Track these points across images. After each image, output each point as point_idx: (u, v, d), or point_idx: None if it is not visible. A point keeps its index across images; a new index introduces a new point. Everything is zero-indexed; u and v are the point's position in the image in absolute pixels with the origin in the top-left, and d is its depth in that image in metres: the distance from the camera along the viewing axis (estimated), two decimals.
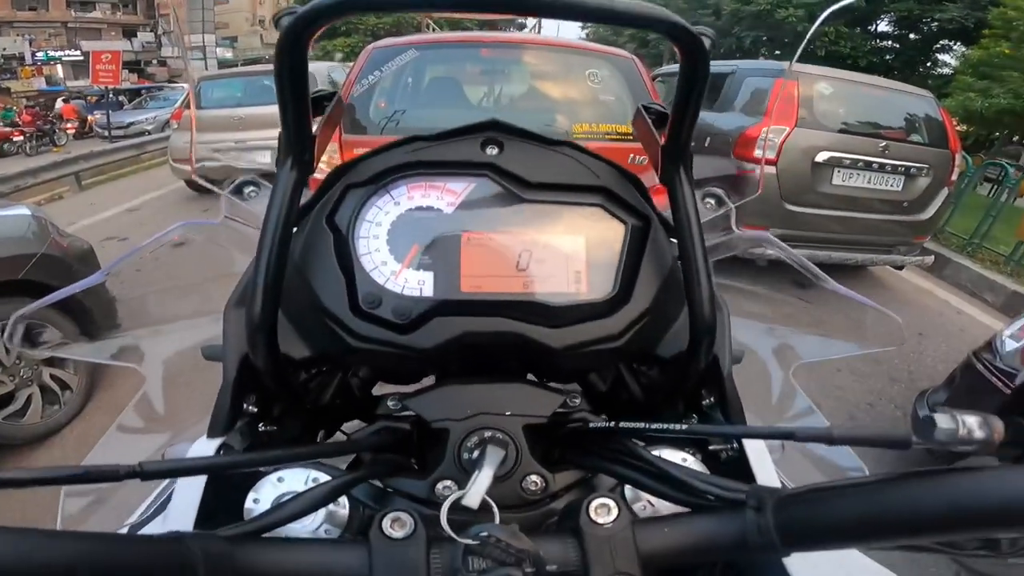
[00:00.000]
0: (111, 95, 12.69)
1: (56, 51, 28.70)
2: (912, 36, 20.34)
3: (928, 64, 19.48)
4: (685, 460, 0.34)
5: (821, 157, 3.27)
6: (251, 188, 0.52)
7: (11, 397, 1.86)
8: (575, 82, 2.29)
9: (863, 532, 0.23)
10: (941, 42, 19.35)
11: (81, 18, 30.83)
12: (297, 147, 0.34)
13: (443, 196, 0.39)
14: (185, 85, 17.48)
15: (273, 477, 0.31)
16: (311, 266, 0.37)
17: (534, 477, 0.32)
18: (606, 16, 0.30)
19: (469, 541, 0.25)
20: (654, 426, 0.31)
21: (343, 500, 0.30)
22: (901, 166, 3.42)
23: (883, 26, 21.06)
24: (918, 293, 3.90)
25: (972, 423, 0.23)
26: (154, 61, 33.47)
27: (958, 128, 13.98)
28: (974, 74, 11.95)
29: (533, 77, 2.44)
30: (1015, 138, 12.76)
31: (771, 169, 3.27)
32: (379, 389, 0.42)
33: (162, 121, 11.80)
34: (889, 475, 0.23)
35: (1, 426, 1.82)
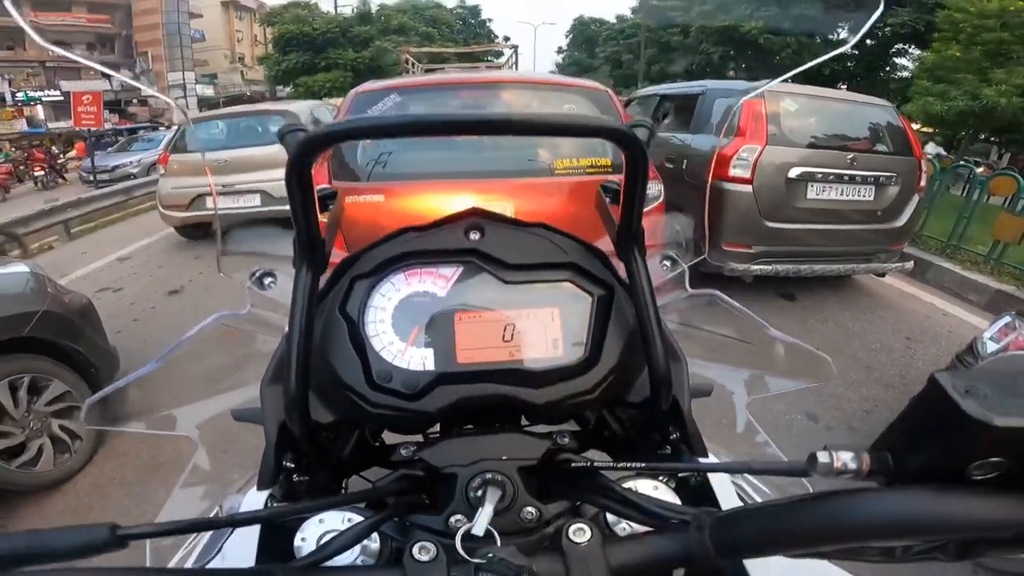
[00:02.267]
0: (92, 137, 12.75)
1: (35, 91, 28.43)
2: (869, 42, 20.89)
3: (888, 68, 20.10)
4: (657, 488, 0.40)
5: (794, 173, 3.33)
6: (270, 279, 0.58)
7: (23, 447, 1.96)
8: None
9: (776, 545, 0.29)
10: (897, 46, 19.95)
11: (59, 57, 30.73)
12: (309, 253, 0.41)
13: (436, 281, 0.46)
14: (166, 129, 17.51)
15: (315, 519, 0.37)
16: (331, 349, 0.44)
17: (529, 508, 0.39)
18: (558, 131, 0.38)
19: (479, 561, 0.32)
20: (620, 464, 0.39)
21: (374, 535, 0.37)
22: (870, 176, 3.49)
23: (842, 33, 21.53)
24: (903, 298, 3.94)
25: (845, 457, 0.28)
26: (135, 100, 33.32)
27: (924, 130, 14.19)
28: (930, 78, 12.08)
29: (515, 110, 2.47)
30: (983, 136, 13.01)
31: (747, 188, 3.31)
32: (390, 436, 0.50)
33: (147, 164, 11.66)
34: (796, 497, 0.29)
35: (16, 474, 1.90)
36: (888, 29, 18.75)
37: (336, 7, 25.97)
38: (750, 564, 0.37)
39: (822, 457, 0.28)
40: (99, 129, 11.42)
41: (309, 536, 0.36)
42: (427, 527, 0.39)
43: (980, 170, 12.13)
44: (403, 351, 0.43)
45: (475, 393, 0.42)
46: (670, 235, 0.62)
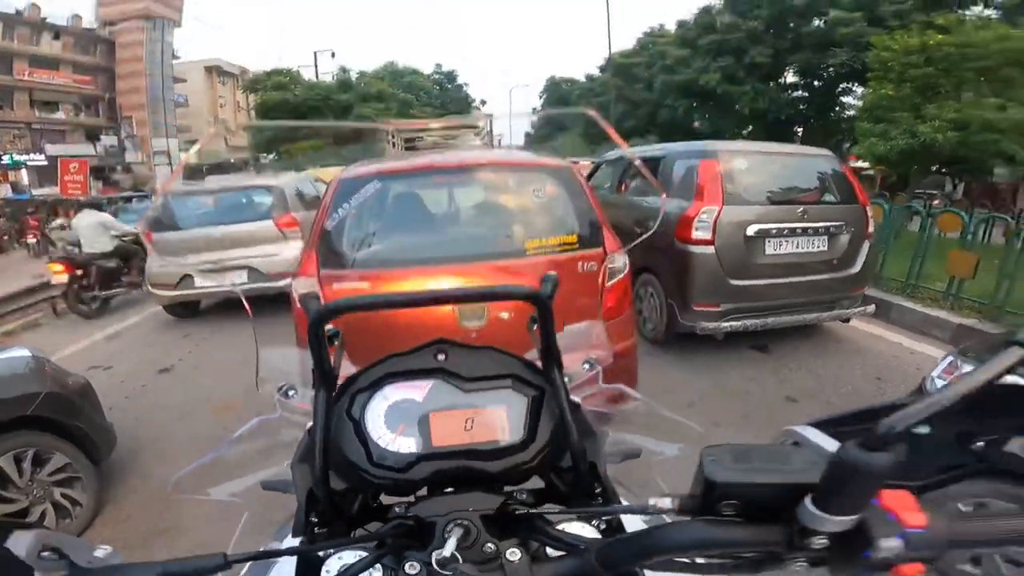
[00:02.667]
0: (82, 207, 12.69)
1: (21, 154, 28.05)
2: (816, 83, 21.86)
3: (838, 109, 20.81)
4: (583, 527, 0.55)
5: (751, 231, 3.49)
6: (292, 391, 0.73)
7: (27, 512, 2.11)
8: (522, 196, 2.48)
9: (636, 559, 0.42)
10: (842, 85, 20.77)
11: (45, 119, 30.43)
12: (324, 380, 0.58)
13: (414, 391, 0.61)
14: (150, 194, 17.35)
15: (336, 556, 0.53)
16: (342, 440, 0.59)
17: (488, 544, 0.51)
18: (482, 297, 0.60)
19: (448, 572, 0.46)
20: (555, 511, 0.56)
21: (379, 566, 0.51)
22: (821, 227, 3.66)
23: (791, 77, 22.76)
24: (871, 340, 4.07)
25: (666, 502, 0.42)
26: (118, 167, 32.74)
27: (875, 170, 14.40)
28: (870, 118, 12.27)
29: (486, 192, 2.64)
30: (935, 169, 13.20)
31: (710, 249, 3.46)
32: (387, 498, 0.65)
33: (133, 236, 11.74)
34: (648, 527, 0.43)
35: None
36: (831, 70, 19.65)
37: (317, 74, 26.29)
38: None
39: (654, 501, 0.43)
40: (93, 197, 11.34)
41: (332, 568, 0.52)
42: (416, 560, 0.52)
43: (936, 203, 12.36)
44: (393, 440, 0.58)
45: (445, 467, 0.57)
46: (587, 342, 0.75)
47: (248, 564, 0.65)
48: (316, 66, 27.03)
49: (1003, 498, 1.53)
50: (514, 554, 0.48)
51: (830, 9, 19.41)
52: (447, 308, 1.80)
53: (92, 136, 32.71)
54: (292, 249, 5.11)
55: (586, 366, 0.72)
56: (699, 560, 0.45)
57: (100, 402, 2.54)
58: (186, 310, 5.55)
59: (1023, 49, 10.13)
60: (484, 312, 1.71)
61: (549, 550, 0.53)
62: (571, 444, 0.59)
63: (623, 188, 5.01)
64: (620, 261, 2.35)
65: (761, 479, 0.37)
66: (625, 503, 0.61)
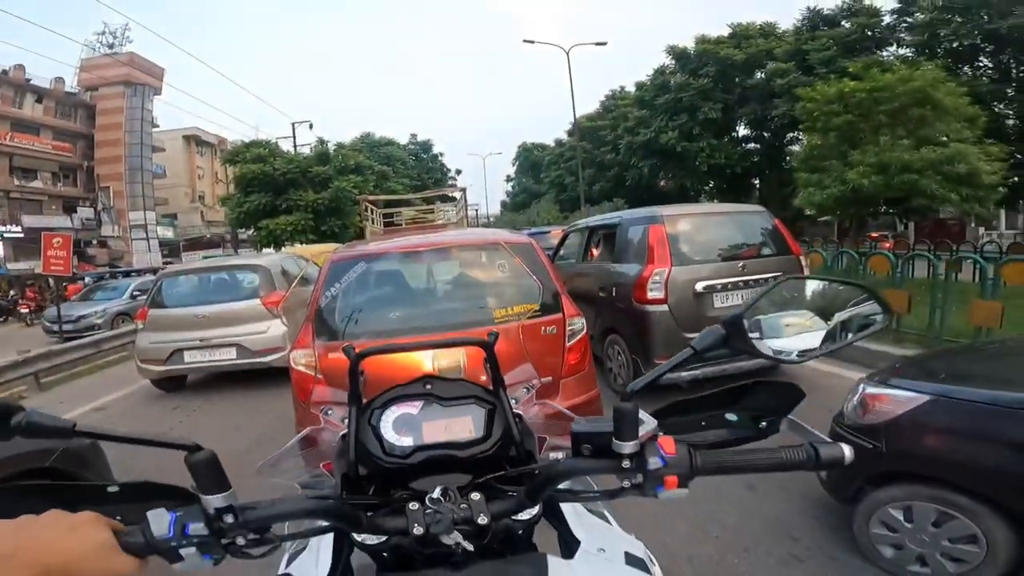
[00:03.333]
0: (62, 285, 12.16)
1: None
2: (766, 134, 22.83)
3: (788, 158, 21.33)
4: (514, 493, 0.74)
5: (699, 287, 3.80)
6: (330, 411, 1.00)
7: None
8: (490, 270, 2.85)
9: (545, 490, 0.69)
10: (788, 135, 21.61)
11: (23, 188, 29.03)
12: (356, 402, 0.87)
13: (411, 408, 0.86)
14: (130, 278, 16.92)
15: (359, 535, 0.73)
16: (366, 439, 0.84)
17: (463, 503, 0.71)
18: (451, 343, 1.03)
19: (436, 507, 0.67)
20: (499, 474, 0.78)
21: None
22: (760, 279, 3.92)
23: (742, 131, 23.76)
24: (826, 377, 4.34)
25: (558, 454, 0.75)
26: (94, 241, 31.70)
27: (832, 216, 14.73)
28: (806, 168, 12.94)
29: (459, 268, 3.01)
30: (883, 209, 13.58)
31: (664, 307, 3.76)
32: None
33: (111, 314, 11.42)
34: (549, 463, 0.71)
35: None
36: (775, 120, 20.53)
37: (295, 146, 26.33)
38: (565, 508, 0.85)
39: (553, 455, 0.75)
40: (87, 273, 10.95)
41: (361, 537, 0.72)
42: (416, 502, 0.72)
43: (887, 244, 12.55)
44: (398, 439, 0.83)
45: (433, 454, 0.82)
46: (525, 375, 1.05)
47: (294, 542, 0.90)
48: (295, 137, 26.91)
49: (920, 499, 1.84)
50: (476, 496, 0.71)
51: (767, 62, 20.60)
52: (429, 362, 2.10)
53: (69, 207, 31.53)
54: (279, 327, 5.33)
55: (524, 390, 1.03)
56: (581, 491, 0.75)
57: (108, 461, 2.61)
58: (172, 384, 5.62)
59: (925, 88, 10.80)
60: (460, 366, 2.03)
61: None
62: (514, 439, 0.86)
63: (590, 256, 5.33)
64: (579, 323, 2.69)
65: (593, 428, 0.65)
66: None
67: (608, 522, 0.94)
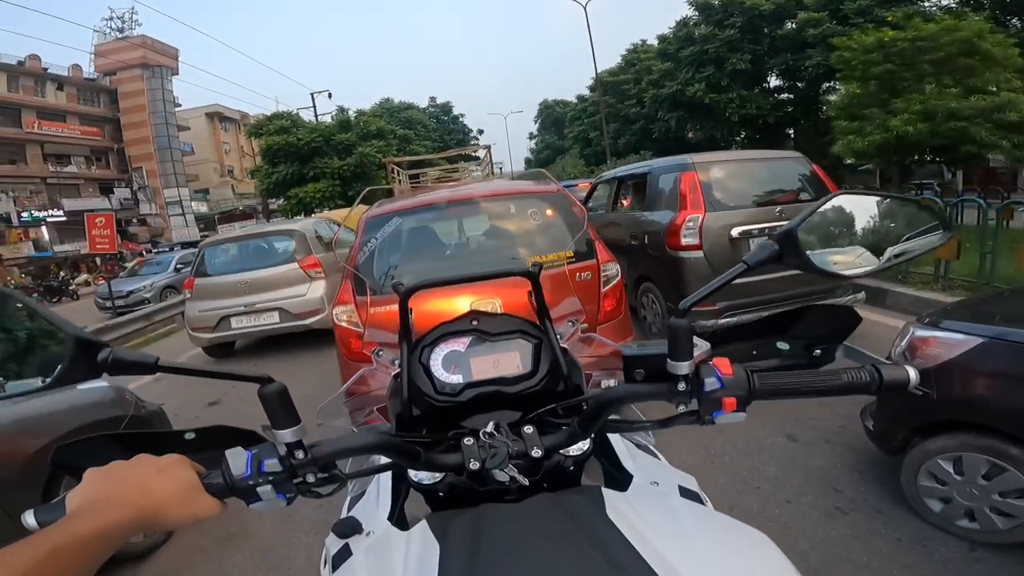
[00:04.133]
0: (120, 261, 12.67)
1: (40, 211, 27.81)
2: (799, 85, 21.62)
3: (824, 107, 20.39)
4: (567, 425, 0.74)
5: (735, 232, 3.71)
6: (382, 352, 1.02)
7: None
8: (522, 220, 2.84)
9: (598, 421, 0.68)
10: (824, 85, 20.44)
11: (59, 173, 30.05)
12: (407, 339, 0.89)
13: (460, 344, 0.88)
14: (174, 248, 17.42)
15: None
16: (417, 378, 0.86)
17: (514, 435, 0.72)
18: (495, 275, 0.99)
19: (491, 440, 0.70)
20: (549, 407, 0.78)
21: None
22: None
23: (774, 81, 22.55)
24: (869, 326, 4.16)
25: (609, 381, 0.90)
26: (134, 220, 32.90)
27: (873, 164, 14.26)
28: (845, 116, 12.36)
29: (490, 219, 3.01)
30: (930, 158, 13.06)
31: (699, 253, 3.69)
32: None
33: (159, 287, 11.94)
34: (601, 392, 0.73)
35: None
36: (810, 70, 19.56)
37: (316, 116, 26.48)
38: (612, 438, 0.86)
39: (604, 383, 0.87)
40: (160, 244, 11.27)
41: (415, 474, 0.76)
42: (469, 436, 0.73)
43: (926, 194, 12.11)
44: (448, 376, 0.85)
45: (482, 391, 0.83)
46: (570, 309, 1.08)
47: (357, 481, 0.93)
48: (314, 107, 27.30)
49: (971, 450, 1.78)
50: (529, 429, 0.72)
51: (798, 12, 19.46)
52: (477, 297, 2.13)
53: (105, 189, 32.64)
54: (317, 289, 5.46)
55: (570, 323, 1.03)
56: (634, 421, 0.75)
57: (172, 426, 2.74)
58: (222, 350, 5.85)
59: (971, 39, 10.35)
60: (497, 307, 2.06)
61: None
62: (562, 373, 0.86)
63: (620, 205, 5.29)
64: (613, 269, 2.67)
65: (645, 351, 0.63)
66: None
67: (658, 458, 0.94)
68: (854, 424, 2.60)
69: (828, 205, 0.66)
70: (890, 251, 0.67)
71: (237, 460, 0.57)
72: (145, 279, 12.45)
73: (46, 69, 30.36)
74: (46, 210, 28.14)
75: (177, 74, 36.52)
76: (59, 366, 0.53)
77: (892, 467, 2.12)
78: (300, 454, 0.58)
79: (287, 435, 0.58)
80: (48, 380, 0.54)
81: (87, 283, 20.31)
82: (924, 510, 1.95)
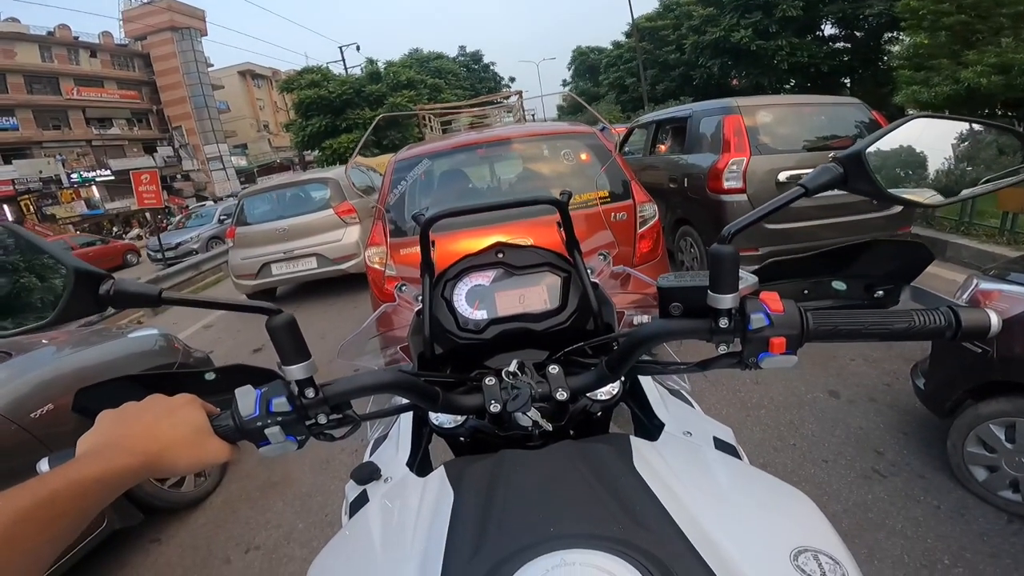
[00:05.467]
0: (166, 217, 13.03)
1: (88, 171, 29.01)
2: (858, 34, 20.38)
3: (886, 58, 19.34)
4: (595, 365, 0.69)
5: (782, 177, 3.53)
6: (404, 287, 0.98)
7: None
8: (554, 161, 2.74)
9: (629, 361, 0.61)
10: (886, 35, 19.25)
11: (103, 135, 31.38)
12: (428, 270, 0.84)
13: (484, 278, 0.84)
14: (210, 202, 18.07)
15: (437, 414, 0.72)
16: (439, 313, 0.82)
17: (539, 376, 0.68)
18: (521, 203, 0.87)
19: (514, 380, 0.66)
20: (577, 346, 0.74)
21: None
22: None
23: (829, 29, 21.18)
24: (926, 278, 3.94)
25: (642, 317, 0.81)
26: (178, 176, 34.24)
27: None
28: (910, 66, 11.84)
29: (522, 161, 2.93)
30: (1000, 112, 12.25)
31: (743, 196, 3.55)
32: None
33: (206, 239, 12.46)
34: (633, 329, 0.63)
35: (169, 493, 2.33)
36: (871, 19, 18.44)
37: (346, 69, 26.77)
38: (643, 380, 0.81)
39: (636, 319, 0.80)
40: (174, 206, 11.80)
41: (436, 417, 0.72)
42: (492, 375, 0.70)
43: None
44: (472, 312, 0.81)
45: (508, 327, 0.80)
46: (601, 241, 1.00)
47: (376, 422, 0.91)
48: (344, 61, 27.41)
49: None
50: (554, 369, 0.67)
51: None
52: (509, 238, 2.10)
53: (149, 148, 33.93)
54: (352, 234, 5.53)
55: (601, 257, 0.97)
56: (668, 362, 0.69)
57: None
58: (265, 296, 5.97)
59: None
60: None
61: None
62: (592, 309, 0.81)
63: (657, 149, 5.12)
64: (650, 210, 2.56)
65: (684, 283, 0.54)
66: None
67: (693, 407, 0.87)
68: (901, 383, 2.53)
69: (903, 128, 0.56)
70: (969, 178, 0.58)
71: (246, 400, 0.54)
72: (192, 231, 12.99)
73: (77, 38, 31.06)
74: (94, 170, 29.41)
75: (206, 34, 37.24)
76: (60, 300, 0.50)
77: (938, 431, 2.01)
78: (310, 393, 0.55)
79: (296, 371, 0.54)
80: (49, 316, 0.51)
81: (139, 237, 21.28)
82: (967, 477, 1.86)
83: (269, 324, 0.54)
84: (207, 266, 9.21)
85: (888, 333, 0.52)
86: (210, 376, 0.67)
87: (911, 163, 0.59)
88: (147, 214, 13.11)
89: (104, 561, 2.11)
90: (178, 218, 15.60)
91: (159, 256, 10.98)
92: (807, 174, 0.54)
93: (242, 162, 39.06)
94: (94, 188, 29.26)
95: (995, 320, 0.51)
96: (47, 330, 0.67)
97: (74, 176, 28.45)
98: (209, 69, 37.13)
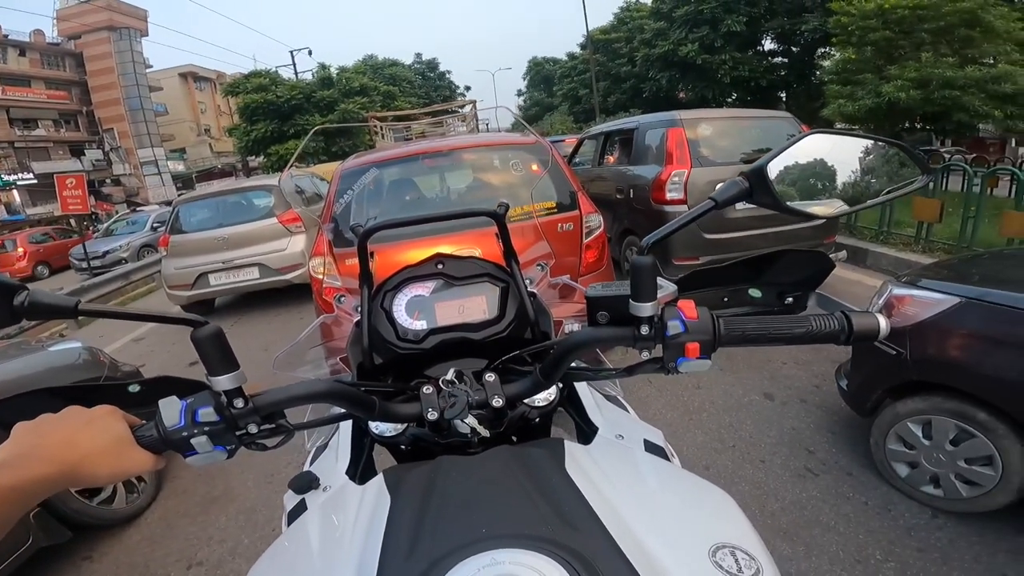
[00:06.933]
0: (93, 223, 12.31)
1: (9, 174, 27.54)
2: (794, 49, 21.58)
3: (818, 72, 20.39)
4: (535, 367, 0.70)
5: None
6: (343, 298, 0.96)
7: (100, 488, 2.22)
8: (502, 171, 2.76)
9: (560, 368, 0.62)
10: (819, 50, 20.41)
11: (27, 137, 29.73)
12: (367, 282, 0.84)
13: (424, 288, 0.84)
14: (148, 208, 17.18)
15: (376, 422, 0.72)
16: (379, 324, 0.81)
17: (478, 384, 0.69)
18: (460, 215, 0.88)
19: (452, 388, 0.66)
20: (512, 354, 0.74)
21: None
22: None
23: (769, 44, 22.42)
24: (849, 284, 4.27)
25: (574, 326, 0.80)
26: (108, 180, 32.54)
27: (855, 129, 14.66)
28: (838, 80, 12.55)
29: (472, 171, 2.92)
30: (919, 125, 13.21)
31: (684, 207, 3.68)
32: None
33: (136, 247, 11.68)
34: (563, 337, 0.68)
35: (97, 510, 2.21)
36: (806, 35, 19.51)
37: (296, 74, 25.92)
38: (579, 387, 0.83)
39: (568, 328, 0.78)
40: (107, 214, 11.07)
41: (377, 426, 0.72)
42: (430, 385, 0.70)
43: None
44: (412, 322, 0.81)
45: (447, 337, 0.79)
46: (538, 252, 1.01)
47: (315, 430, 0.89)
48: (294, 65, 26.67)
49: (941, 413, 1.77)
50: (491, 377, 0.68)
51: None
52: (455, 248, 2.10)
53: (76, 151, 32.12)
54: (298, 243, 5.34)
55: (539, 268, 0.98)
56: (598, 368, 0.71)
57: None
58: (201, 308, 5.72)
59: (974, 10, 10.36)
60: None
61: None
62: (529, 318, 0.83)
63: (607, 161, 5.23)
64: (595, 220, 2.62)
65: (609, 292, 0.58)
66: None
67: (627, 411, 0.91)
68: (829, 384, 2.66)
69: (801, 143, 0.60)
70: (864, 191, 0.63)
71: (170, 410, 0.54)
72: (122, 238, 12.17)
73: (7, 36, 29.82)
74: (16, 174, 27.82)
75: (147, 35, 35.72)
76: None
77: (863, 429, 2.12)
78: (239, 403, 0.54)
79: (224, 382, 0.53)
80: None
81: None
82: (891, 474, 1.95)
83: (194, 336, 0.53)
84: (138, 276, 8.68)
85: (790, 337, 0.56)
86: (134, 388, 0.66)
87: (820, 175, 0.63)
88: (71, 220, 12.20)
89: None
90: (105, 225, 14.58)
91: (84, 265, 10.34)
92: (718, 188, 0.58)
93: (180, 167, 37.31)
94: (15, 192, 27.65)
95: (884, 324, 0.55)
96: None
97: None
98: (148, 71, 35.56)
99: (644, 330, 0.55)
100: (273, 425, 0.58)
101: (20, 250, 13.71)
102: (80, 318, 4.43)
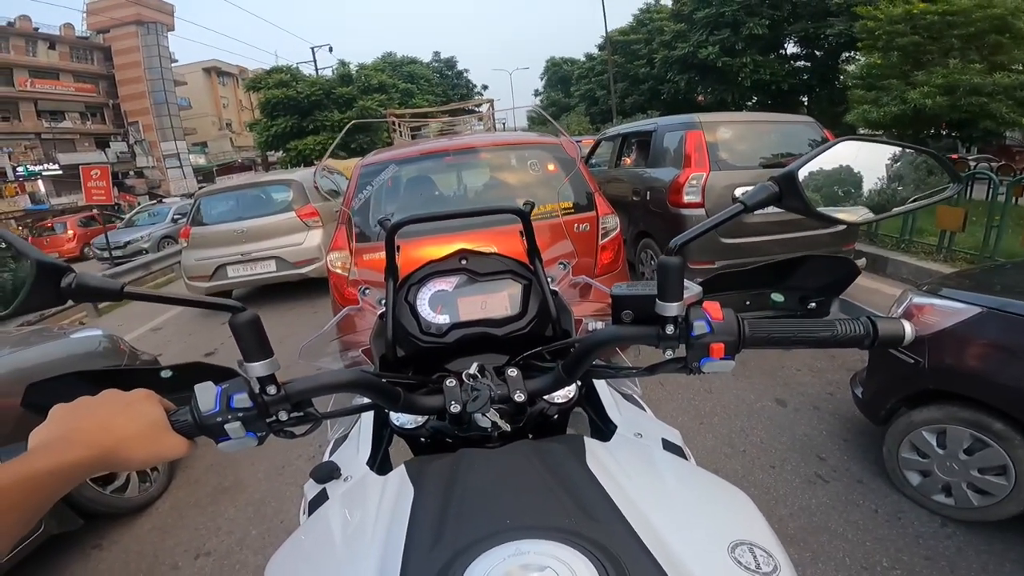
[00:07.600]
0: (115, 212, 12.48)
1: (35, 165, 27.98)
2: (818, 53, 21.23)
3: (841, 77, 20.05)
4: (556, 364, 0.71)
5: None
6: (368, 290, 0.99)
7: (113, 476, 2.26)
8: (520, 170, 2.77)
9: (583, 364, 0.63)
10: (844, 54, 20.05)
11: (54, 128, 30.20)
12: (392, 275, 0.87)
13: (447, 283, 0.86)
14: (171, 200, 17.54)
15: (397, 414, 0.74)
16: (402, 317, 0.83)
17: (499, 379, 0.70)
18: (486, 212, 0.94)
19: (475, 382, 0.68)
20: (535, 350, 0.75)
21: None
22: None
23: (791, 48, 22.07)
24: (867, 293, 4.19)
25: (597, 324, 0.77)
26: (131, 172, 33.00)
27: (884, 135, 14.45)
28: (863, 86, 12.39)
29: (490, 170, 2.94)
30: (945, 132, 13.09)
31: (701, 211, 3.65)
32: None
33: (157, 238, 11.88)
34: (587, 335, 0.69)
35: (110, 498, 2.23)
36: (830, 39, 19.20)
37: (316, 70, 26.33)
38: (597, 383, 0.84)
39: (591, 326, 0.77)
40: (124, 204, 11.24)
41: (397, 417, 0.74)
42: (453, 378, 0.71)
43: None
44: (434, 316, 0.83)
45: (469, 332, 0.81)
46: (562, 251, 1.03)
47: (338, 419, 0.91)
48: (315, 62, 26.99)
49: (956, 423, 1.75)
50: (513, 372, 0.69)
51: None
52: (474, 246, 2.12)
53: (101, 143, 32.65)
54: (314, 238, 5.40)
55: (561, 266, 1.00)
56: (620, 367, 0.71)
57: None
58: None
59: (1005, 16, 10.21)
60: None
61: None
62: (551, 316, 0.84)
63: (624, 163, 5.20)
64: (612, 221, 2.62)
65: (635, 292, 0.58)
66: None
67: (644, 410, 0.92)
68: (842, 392, 2.63)
69: (834, 149, 0.60)
70: (894, 198, 0.63)
71: (206, 395, 0.54)
72: (143, 229, 12.33)
73: (37, 29, 30.26)
74: (41, 164, 28.26)
75: (173, 30, 36.12)
76: (20, 293, 0.49)
77: (876, 437, 2.11)
78: (272, 390, 0.55)
79: (258, 368, 0.55)
80: (9, 308, 0.50)
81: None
82: (902, 482, 1.95)
83: (233, 321, 0.54)
84: (158, 266, 8.81)
85: (815, 340, 0.57)
86: (166, 374, 0.66)
87: (848, 182, 0.63)
88: (95, 211, 12.45)
89: (41, 567, 2.03)
90: (128, 216, 14.84)
91: (105, 255, 10.43)
92: (747, 191, 0.58)
93: (201, 160, 37.79)
94: (40, 182, 28.13)
95: (909, 330, 0.56)
96: (5, 321, 0.64)
97: (20, 169, 27.31)
98: (173, 65, 36.00)
99: (669, 329, 0.56)
100: (301, 413, 0.59)
101: (70, 232, 14.20)
102: (100, 306, 4.50)
